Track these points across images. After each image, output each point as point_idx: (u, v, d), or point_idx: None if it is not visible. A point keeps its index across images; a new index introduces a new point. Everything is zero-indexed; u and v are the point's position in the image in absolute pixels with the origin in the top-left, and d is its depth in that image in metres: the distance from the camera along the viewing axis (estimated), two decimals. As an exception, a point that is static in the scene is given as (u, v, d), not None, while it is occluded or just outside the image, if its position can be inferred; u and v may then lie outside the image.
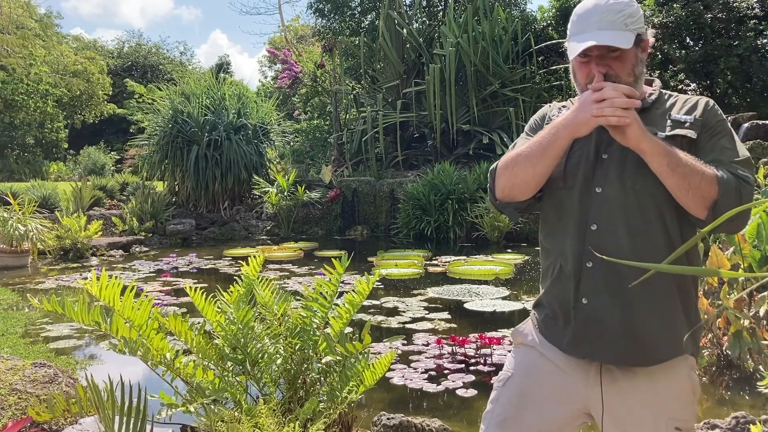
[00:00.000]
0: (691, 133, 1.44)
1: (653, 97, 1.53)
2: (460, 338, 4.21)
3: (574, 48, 1.47)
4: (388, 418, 2.75)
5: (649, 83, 1.58)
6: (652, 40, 1.53)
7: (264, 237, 11.84)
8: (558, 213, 1.55)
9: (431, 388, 3.60)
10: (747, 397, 3.34)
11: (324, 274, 2.57)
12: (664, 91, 1.56)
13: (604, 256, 1.21)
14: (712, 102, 1.51)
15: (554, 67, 15.12)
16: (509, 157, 1.56)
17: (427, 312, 5.43)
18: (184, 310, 5.46)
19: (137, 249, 10.35)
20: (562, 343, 1.52)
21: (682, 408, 1.46)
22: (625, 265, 1.37)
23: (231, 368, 2.43)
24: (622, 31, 1.43)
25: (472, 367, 3.90)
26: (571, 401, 1.51)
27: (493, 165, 1.63)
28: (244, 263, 2.66)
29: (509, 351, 4.44)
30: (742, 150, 1.45)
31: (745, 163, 1.42)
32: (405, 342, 4.46)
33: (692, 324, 1.49)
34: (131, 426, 2.07)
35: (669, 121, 1.47)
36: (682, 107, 1.50)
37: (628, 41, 1.43)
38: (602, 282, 1.45)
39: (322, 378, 2.47)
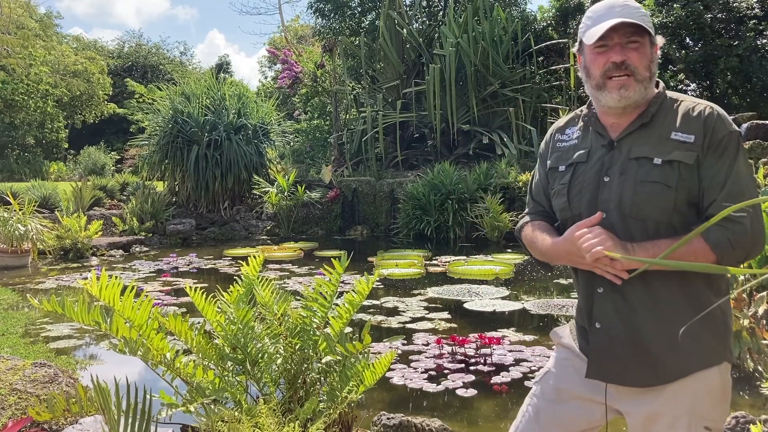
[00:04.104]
0: (689, 158, 1.40)
1: (655, 108, 1.48)
2: (460, 338, 4.21)
3: (594, 32, 1.44)
4: (388, 418, 2.75)
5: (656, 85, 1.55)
6: (659, 53, 1.52)
7: (264, 237, 11.84)
8: None
9: (431, 388, 3.60)
10: (747, 397, 3.34)
11: (324, 274, 2.57)
12: (668, 94, 1.51)
13: (625, 255, 1.23)
14: (717, 113, 1.43)
15: (554, 67, 15.13)
16: (527, 236, 1.67)
17: (427, 312, 5.43)
18: (184, 310, 5.46)
19: (137, 249, 10.35)
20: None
21: (712, 408, 1.45)
22: (633, 291, 1.41)
23: (231, 368, 2.43)
24: (642, 23, 1.43)
25: (472, 367, 3.90)
26: (602, 402, 1.52)
27: (519, 223, 1.73)
28: (244, 263, 2.66)
29: (510, 351, 4.43)
30: (740, 181, 1.38)
31: (738, 198, 1.34)
32: (405, 342, 4.46)
33: (718, 333, 1.46)
34: (136, 427, 2.08)
35: (668, 142, 1.43)
36: (684, 121, 1.44)
37: (651, 28, 1.44)
38: (612, 308, 1.46)
39: (322, 378, 2.47)
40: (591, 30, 1.46)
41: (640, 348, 1.44)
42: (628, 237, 1.41)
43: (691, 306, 1.42)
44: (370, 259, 8.63)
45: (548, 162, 1.64)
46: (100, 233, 9.96)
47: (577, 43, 1.56)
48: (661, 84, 1.54)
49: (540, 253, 1.62)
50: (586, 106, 1.61)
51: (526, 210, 1.74)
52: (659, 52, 1.53)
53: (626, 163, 1.45)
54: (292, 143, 16.81)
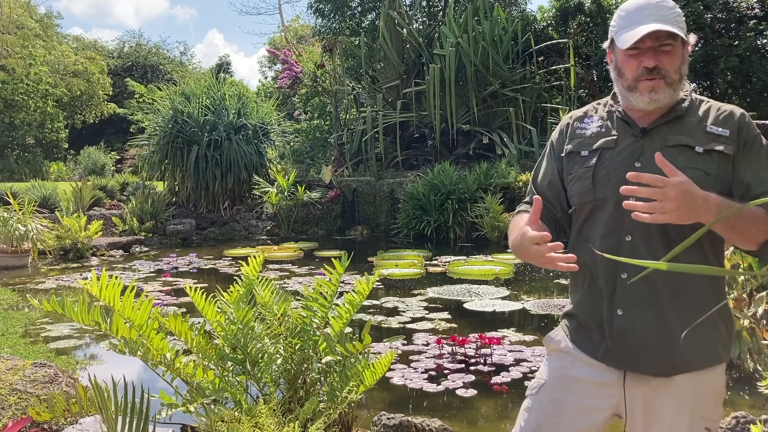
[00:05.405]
0: (729, 149, 1.43)
1: (686, 104, 1.50)
2: (460, 338, 4.21)
3: (628, 38, 1.45)
4: (388, 418, 2.75)
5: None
6: (691, 48, 1.52)
7: (264, 237, 11.84)
8: (590, 225, 1.53)
9: (431, 388, 3.60)
10: (747, 397, 3.34)
11: (324, 274, 2.57)
12: (695, 96, 1.54)
13: (642, 261, 1.17)
14: (746, 114, 1.49)
15: (554, 67, 15.12)
16: (510, 224, 1.62)
17: (427, 312, 5.43)
18: (184, 310, 5.46)
19: (137, 249, 10.34)
20: (597, 353, 1.52)
21: (713, 408, 1.47)
22: (659, 278, 1.39)
23: (231, 368, 2.43)
24: (675, 27, 1.43)
25: (472, 367, 3.91)
26: (604, 407, 1.52)
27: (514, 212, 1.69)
28: (244, 263, 2.66)
29: (510, 351, 4.41)
30: None
31: None
32: (405, 342, 4.46)
33: (728, 331, 1.49)
34: (134, 426, 2.08)
35: (705, 134, 1.45)
36: (717, 117, 1.48)
37: (683, 31, 1.44)
38: (637, 293, 1.44)
39: (322, 378, 2.47)
40: (624, 34, 1.46)
41: (664, 336, 1.43)
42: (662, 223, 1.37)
43: (714, 299, 1.44)
44: (370, 259, 8.63)
45: (566, 147, 1.61)
46: (100, 233, 9.96)
47: (608, 41, 1.56)
48: (688, 85, 1.56)
49: (511, 246, 1.56)
50: (609, 98, 1.61)
51: (524, 200, 1.70)
52: (690, 49, 1.53)
53: (663, 150, 1.43)
54: (292, 143, 16.81)
